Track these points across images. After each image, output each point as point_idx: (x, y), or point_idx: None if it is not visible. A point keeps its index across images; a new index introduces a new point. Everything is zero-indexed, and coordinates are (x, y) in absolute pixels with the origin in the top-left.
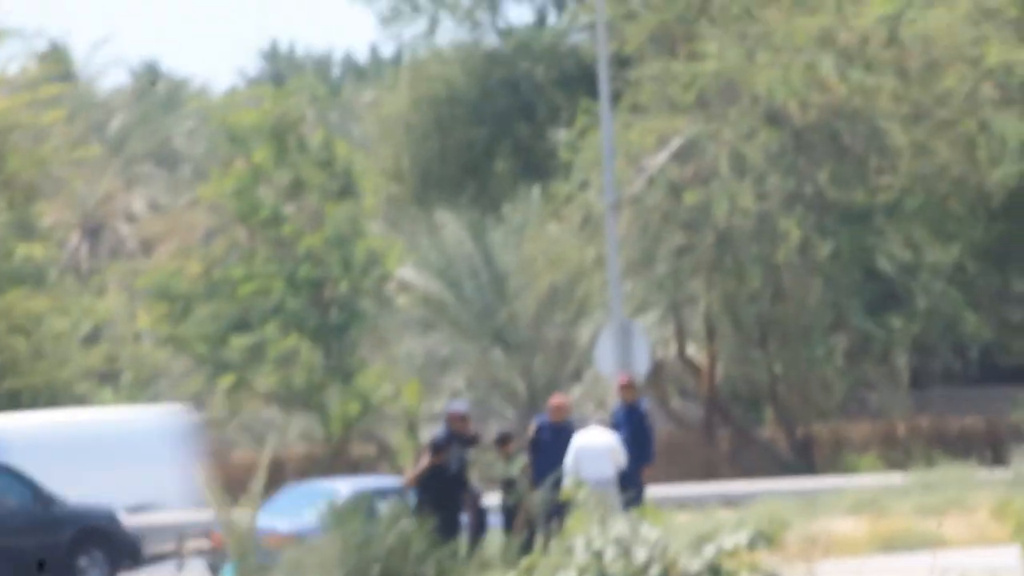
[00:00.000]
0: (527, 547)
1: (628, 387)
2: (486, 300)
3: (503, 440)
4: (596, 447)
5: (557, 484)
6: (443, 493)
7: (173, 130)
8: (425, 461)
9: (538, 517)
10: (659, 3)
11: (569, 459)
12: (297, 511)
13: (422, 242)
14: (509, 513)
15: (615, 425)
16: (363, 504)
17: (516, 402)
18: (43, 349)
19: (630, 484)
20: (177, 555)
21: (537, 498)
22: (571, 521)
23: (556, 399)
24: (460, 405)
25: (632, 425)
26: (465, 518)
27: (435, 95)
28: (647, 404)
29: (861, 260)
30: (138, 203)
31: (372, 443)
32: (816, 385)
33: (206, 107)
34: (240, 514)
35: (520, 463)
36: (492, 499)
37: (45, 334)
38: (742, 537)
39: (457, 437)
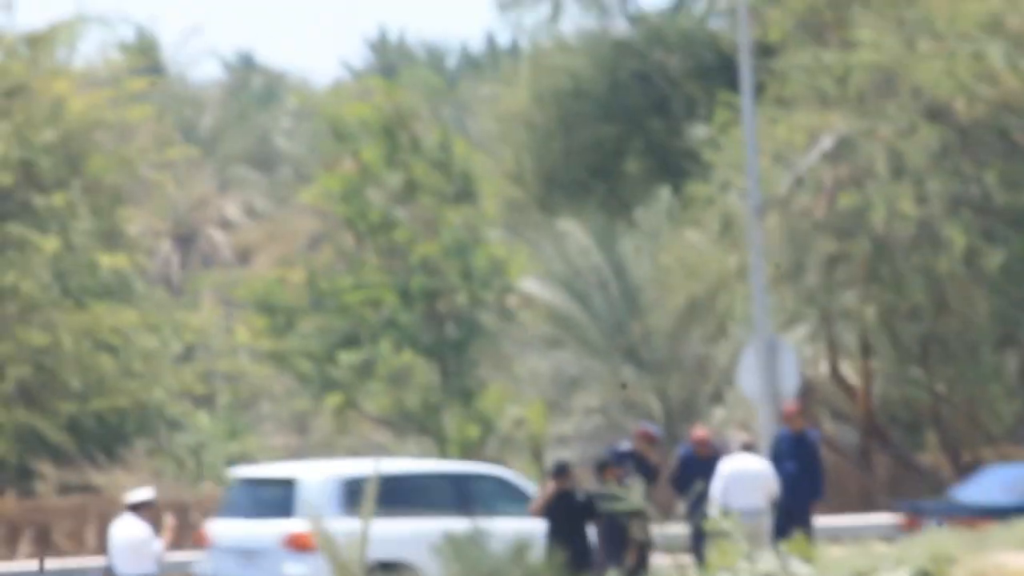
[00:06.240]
0: None
1: (796, 415)
2: (617, 314)
3: (604, 465)
4: (748, 474)
5: (700, 514)
6: (570, 522)
7: (270, 128)
8: (549, 488)
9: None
10: None
11: (717, 487)
12: (996, 491)
13: (546, 251)
14: (641, 548)
15: (777, 456)
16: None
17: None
18: (132, 367)
19: (799, 521)
20: None
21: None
22: (714, 554)
23: (699, 432)
24: (654, 427)
25: (801, 457)
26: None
27: (559, 89)
28: (815, 435)
29: None
30: (233, 208)
31: None
32: (984, 406)
33: (308, 102)
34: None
35: (638, 489)
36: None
37: (133, 351)
38: (903, 574)
39: (634, 459)
